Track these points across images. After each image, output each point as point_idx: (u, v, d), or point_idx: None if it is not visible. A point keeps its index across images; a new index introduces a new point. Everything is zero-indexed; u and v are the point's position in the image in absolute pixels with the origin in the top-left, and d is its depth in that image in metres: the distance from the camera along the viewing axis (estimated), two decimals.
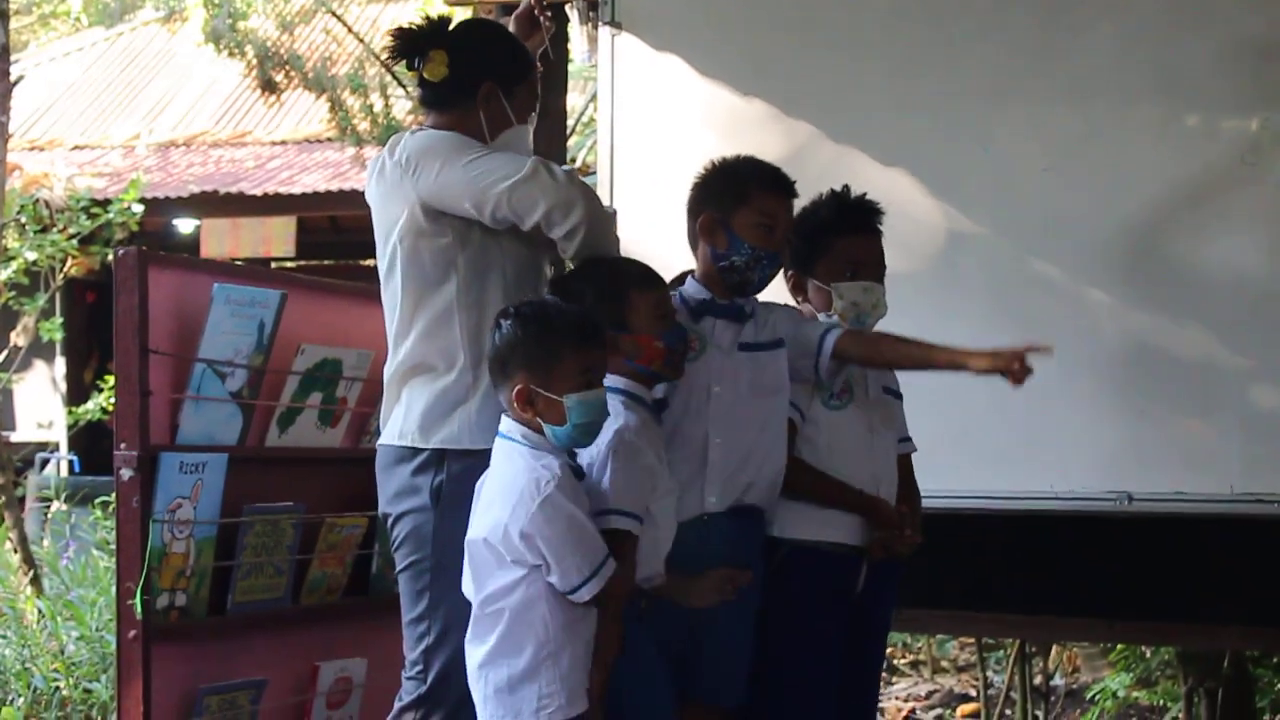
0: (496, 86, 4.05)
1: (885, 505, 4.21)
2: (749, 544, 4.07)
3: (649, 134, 5.70)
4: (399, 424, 3.98)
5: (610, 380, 3.74)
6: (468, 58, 4.05)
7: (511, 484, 3.59)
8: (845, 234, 4.27)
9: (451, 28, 4.11)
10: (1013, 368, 3.85)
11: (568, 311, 3.68)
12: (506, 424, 3.68)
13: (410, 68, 4.11)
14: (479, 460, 3.76)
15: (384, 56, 4.20)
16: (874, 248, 4.31)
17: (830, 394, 4.21)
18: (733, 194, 4.09)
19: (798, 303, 4.34)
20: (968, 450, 5.42)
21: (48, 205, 13.20)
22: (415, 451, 3.93)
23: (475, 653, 3.64)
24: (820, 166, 5.54)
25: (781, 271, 4.23)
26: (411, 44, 4.07)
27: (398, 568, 4.01)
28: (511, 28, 4.59)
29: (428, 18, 4.13)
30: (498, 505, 3.59)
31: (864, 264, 4.26)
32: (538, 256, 4.00)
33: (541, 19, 4.59)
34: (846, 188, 4.36)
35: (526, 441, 3.63)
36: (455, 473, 3.85)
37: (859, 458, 4.22)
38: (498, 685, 3.59)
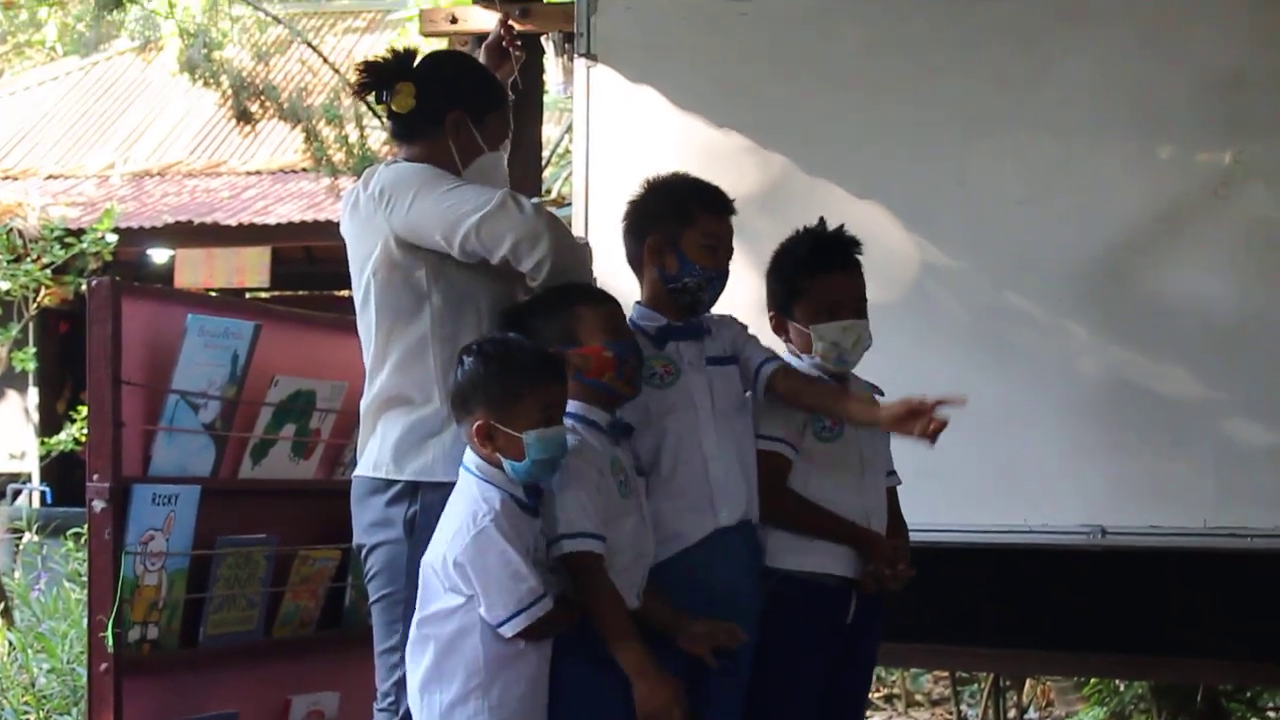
0: (465, 115, 4.04)
1: (879, 539, 4.20)
2: (759, 559, 4.11)
3: (624, 166, 5.70)
4: (374, 455, 3.97)
5: (577, 407, 3.78)
6: (434, 88, 4.05)
7: (457, 514, 3.65)
8: (821, 273, 4.24)
9: (418, 60, 4.11)
10: (916, 431, 3.86)
11: (529, 349, 3.69)
12: (468, 455, 3.71)
13: (379, 100, 4.12)
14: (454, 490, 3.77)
15: (354, 90, 4.20)
16: (851, 284, 4.27)
17: (823, 425, 4.20)
18: (677, 215, 4.09)
19: (783, 341, 4.33)
20: (941, 483, 5.41)
21: (21, 234, 13.16)
22: (389, 483, 3.91)
23: (413, 674, 3.69)
24: (796, 198, 5.55)
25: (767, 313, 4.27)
26: (378, 77, 4.07)
27: (371, 599, 4.00)
28: (481, 58, 4.59)
29: (394, 51, 4.13)
30: (443, 533, 3.66)
31: (842, 302, 4.21)
32: (513, 290, 3.98)
33: (510, 49, 4.59)
34: (821, 222, 4.34)
35: (480, 474, 3.67)
36: (428, 504, 3.83)
37: (851, 490, 4.21)
38: (431, 711, 3.64)
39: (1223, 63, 5.44)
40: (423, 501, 3.86)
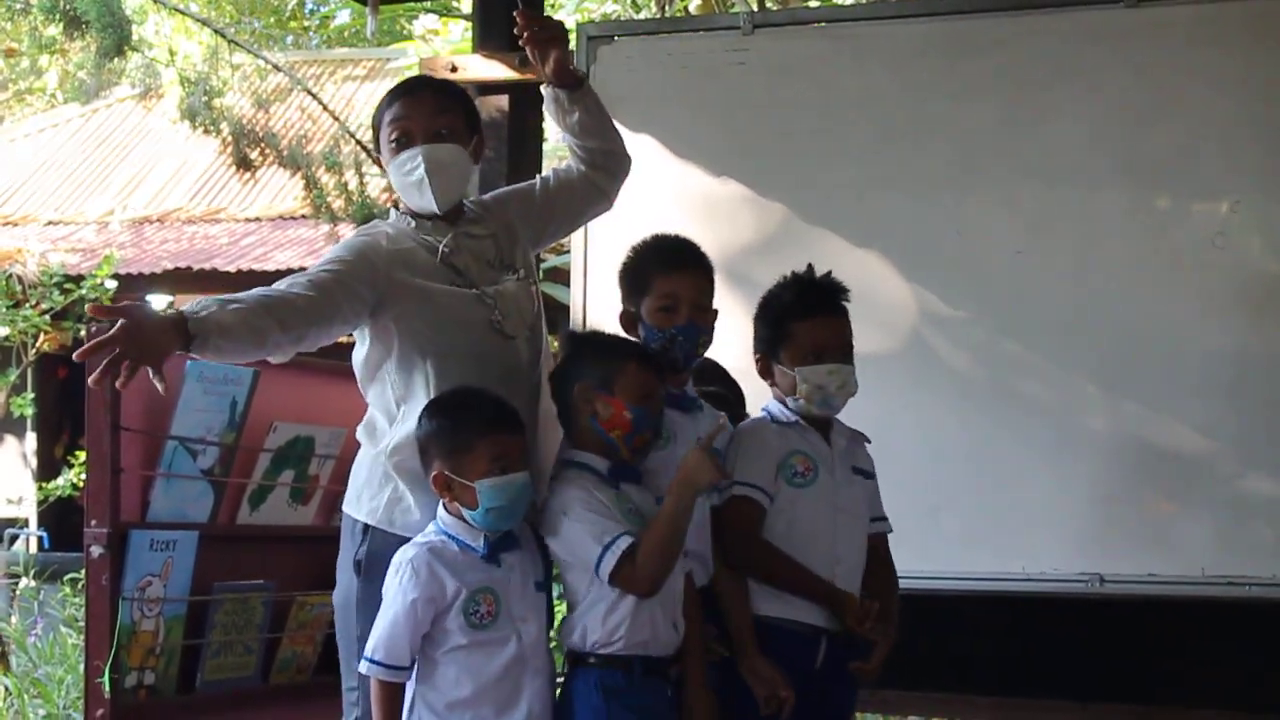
0: (377, 154, 4.12)
1: (848, 600, 4.15)
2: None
3: (623, 212, 5.71)
4: (349, 491, 4.03)
5: (576, 455, 3.84)
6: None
7: None
8: (806, 318, 4.23)
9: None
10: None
11: (483, 401, 3.74)
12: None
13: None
14: (397, 541, 3.80)
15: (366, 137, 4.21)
16: (837, 329, 4.25)
17: (794, 471, 4.18)
18: (638, 286, 4.13)
19: (769, 385, 4.32)
20: (940, 531, 5.42)
21: (21, 280, 13.21)
22: (353, 520, 3.95)
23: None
24: (793, 247, 5.56)
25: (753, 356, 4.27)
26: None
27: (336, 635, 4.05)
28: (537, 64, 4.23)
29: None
30: None
31: (827, 348, 4.20)
32: (469, 346, 3.94)
33: (535, 41, 4.10)
34: (810, 268, 4.34)
35: (438, 521, 3.76)
36: (375, 549, 3.87)
37: (820, 538, 4.18)
38: None
39: (1220, 112, 5.46)
40: (370, 545, 3.89)
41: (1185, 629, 5.51)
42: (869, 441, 4.36)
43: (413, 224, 4.00)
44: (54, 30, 11.88)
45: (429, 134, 3.98)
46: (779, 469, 4.18)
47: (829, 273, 4.33)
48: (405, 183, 3.97)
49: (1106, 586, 5.40)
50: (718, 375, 4.50)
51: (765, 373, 4.31)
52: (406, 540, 3.76)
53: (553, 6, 12.65)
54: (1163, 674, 5.58)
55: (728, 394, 4.43)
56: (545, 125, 6.43)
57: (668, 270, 4.11)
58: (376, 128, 4.06)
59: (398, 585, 3.66)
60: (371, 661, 3.68)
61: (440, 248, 3.95)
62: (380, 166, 4.11)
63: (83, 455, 4.18)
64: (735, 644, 4.07)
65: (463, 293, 3.92)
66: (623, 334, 4.08)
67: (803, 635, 4.15)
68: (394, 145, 3.98)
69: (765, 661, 4.03)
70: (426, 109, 4.03)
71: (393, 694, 3.69)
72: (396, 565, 3.69)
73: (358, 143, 13.35)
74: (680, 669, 3.86)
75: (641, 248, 4.23)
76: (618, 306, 4.20)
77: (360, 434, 4.00)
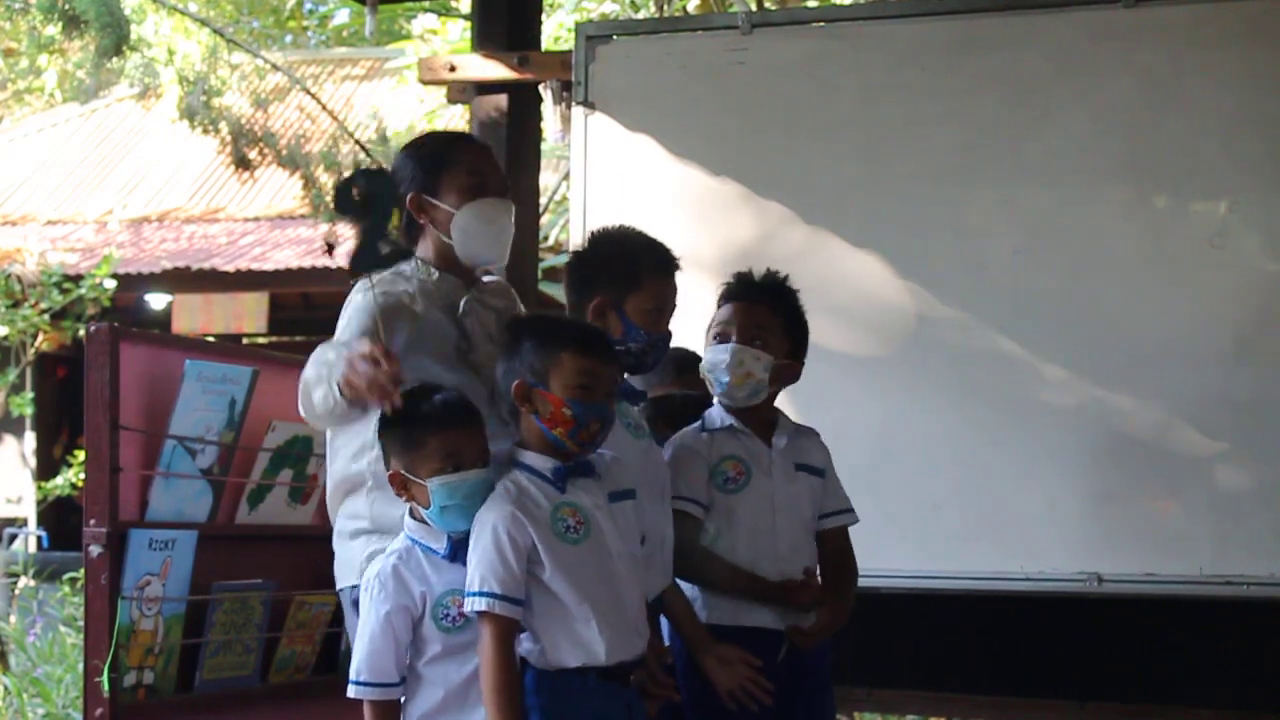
0: (418, 194, 3.97)
1: (792, 590, 4.16)
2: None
3: (621, 213, 5.69)
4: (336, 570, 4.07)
5: (523, 456, 3.70)
6: (393, 188, 3.91)
7: None
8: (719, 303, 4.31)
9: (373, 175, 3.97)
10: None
11: (434, 398, 3.65)
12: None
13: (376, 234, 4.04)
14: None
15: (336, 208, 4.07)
16: (740, 313, 4.25)
17: (725, 478, 4.19)
18: (625, 278, 4.03)
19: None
20: (938, 531, 5.43)
21: (20, 280, 13.21)
22: (348, 590, 3.98)
23: None
24: (791, 247, 5.57)
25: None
26: (352, 203, 3.87)
27: None
28: None
29: (348, 179, 3.96)
30: None
31: (730, 329, 4.21)
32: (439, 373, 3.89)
33: None
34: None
35: (404, 529, 3.71)
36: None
37: (761, 538, 4.18)
38: None
39: (1219, 112, 5.46)
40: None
41: (1183, 628, 5.52)
42: (818, 434, 4.36)
43: (435, 275, 3.96)
44: (53, 30, 11.87)
45: (503, 192, 3.99)
46: (711, 476, 4.19)
47: (770, 271, 4.34)
48: (483, 230, 3.91)
49: (1104, 586, 5.40)
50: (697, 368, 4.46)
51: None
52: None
53: (551, 6, 12.65)
54: (1160, 673, 5.59)
55: (706, 398, 4.40)
56: (543, 125, 6.43)
57: (663, 274, 4.07)
58: (435, 168, 3.97)
59: (370, 602, 3.62)
60: (358, 684, 3.63)
61: (460, 305, 3.94)
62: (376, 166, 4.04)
63: (81, 455, 4.20)
64: (692, 644, 4.05)
65: (460, 369, 3.91)
66: (565, 318, 3.96)
67: (759, 637, 4.15)
68: (471, 190, 3.92)
69: (727, 646, 4.01)
70: (498, 168, 4.06)
71: (385, 713, 3.65)
72: (366, 584, 3.66)
73: (356, 142, 13.35)
74: (642, 675, 3.77)
75: (633, 242, 4.15)
76: None
77: (331, 498, 4.00)
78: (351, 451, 3.91)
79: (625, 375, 4.02)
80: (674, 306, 4.09)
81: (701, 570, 4.15)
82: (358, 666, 3.64)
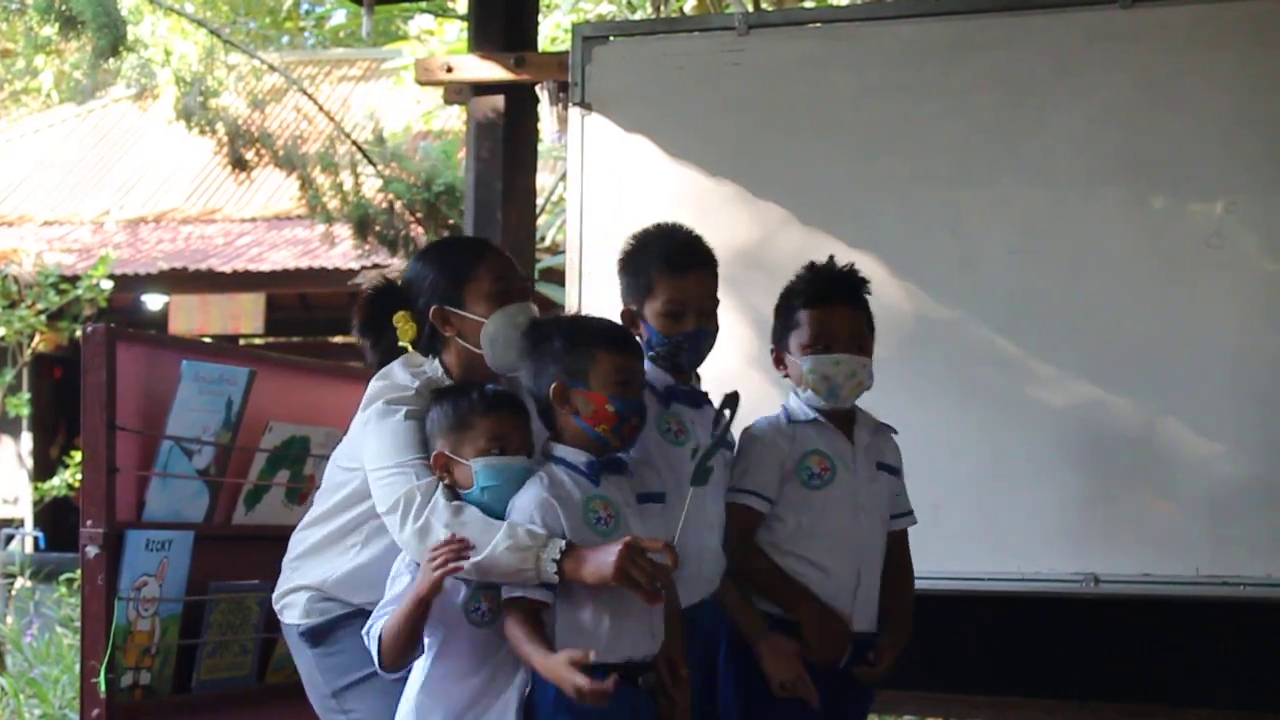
0: (440, 306, 3.96)
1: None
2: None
3: (618, 213, 5.71)
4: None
5: (556, 449, 3.73)
6: (409, 301, 3.99)
7: None
8: (814, 306, 4.17)
9: (381, 290, 4.07)
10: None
11: (485, 387, 3.74)
12: None
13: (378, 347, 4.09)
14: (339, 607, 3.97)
15: (358, 331, 4.09)
16: (846, 318, 4.18)
17: (810, 473, 4.13)
18: (640, 285, 4.07)
19: (783, 376, 4.29)
20: (935, 531, 5.40)
21: (16, 281, 13.22)
22: (292, 627, 4.10)
23: None
24: (788, 247, 5.57)
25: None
26: (373, 318, 4.04)
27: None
28: None
29: (366, 295, 4.09)
30: None
31: (836, 337, 4.14)
32: None
33: None
34: (831, 259, 4.31)
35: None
36: (314, 618, 4.07)
37: (844, 538, 4.14)
38: None
39: (1216, 112, 5.46)
40: (307, 614, 4.08)
41: (1180, 628, 5.52)
42: (896, 433, 4.36)
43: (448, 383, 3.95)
44: (49, 30, 11.87)
45: (527, 296, 4.04)
46: (795, 471, 4.13)
47: (851, 265, 4.30)
48: (515, 336, 3.88)
49: (1101, 586, 5.39)
50: None
51: (779, 363, 4.26)
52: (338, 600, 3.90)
53: (548, 7, 12.65)
54: (1158, 673, 5.59)
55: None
56: (540, 126, 6.43)
57: (673, 274, 4.04)
58: (458, 278, 3.96)
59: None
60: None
61: None
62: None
63: (78, 455, 4.20)
64: (748, 635, 4.04)
65: None
66: (589, 317, 3.97)
67: None
68: (498, 298, 3.93)
69: (782, 637, 4.00)
70: (519, 271, 4.12)
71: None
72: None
73: (353, 143, 13.35)
74: (655, 676, 3.73)
75: (643, 243, 4.16)
76: (613, 307, 4.18)
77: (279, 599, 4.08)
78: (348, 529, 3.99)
79: (672, 379, 4.04)
80: (698, 304, 4.05)
81: (748, 567, 4.11)
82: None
